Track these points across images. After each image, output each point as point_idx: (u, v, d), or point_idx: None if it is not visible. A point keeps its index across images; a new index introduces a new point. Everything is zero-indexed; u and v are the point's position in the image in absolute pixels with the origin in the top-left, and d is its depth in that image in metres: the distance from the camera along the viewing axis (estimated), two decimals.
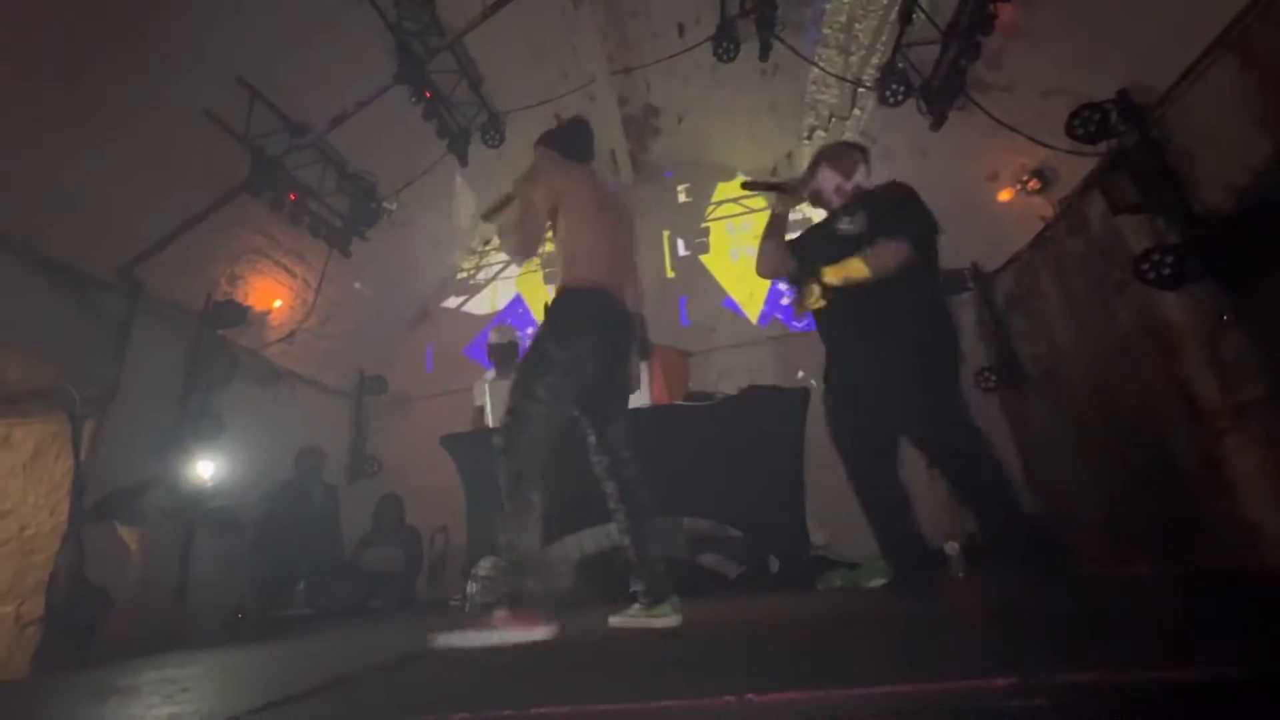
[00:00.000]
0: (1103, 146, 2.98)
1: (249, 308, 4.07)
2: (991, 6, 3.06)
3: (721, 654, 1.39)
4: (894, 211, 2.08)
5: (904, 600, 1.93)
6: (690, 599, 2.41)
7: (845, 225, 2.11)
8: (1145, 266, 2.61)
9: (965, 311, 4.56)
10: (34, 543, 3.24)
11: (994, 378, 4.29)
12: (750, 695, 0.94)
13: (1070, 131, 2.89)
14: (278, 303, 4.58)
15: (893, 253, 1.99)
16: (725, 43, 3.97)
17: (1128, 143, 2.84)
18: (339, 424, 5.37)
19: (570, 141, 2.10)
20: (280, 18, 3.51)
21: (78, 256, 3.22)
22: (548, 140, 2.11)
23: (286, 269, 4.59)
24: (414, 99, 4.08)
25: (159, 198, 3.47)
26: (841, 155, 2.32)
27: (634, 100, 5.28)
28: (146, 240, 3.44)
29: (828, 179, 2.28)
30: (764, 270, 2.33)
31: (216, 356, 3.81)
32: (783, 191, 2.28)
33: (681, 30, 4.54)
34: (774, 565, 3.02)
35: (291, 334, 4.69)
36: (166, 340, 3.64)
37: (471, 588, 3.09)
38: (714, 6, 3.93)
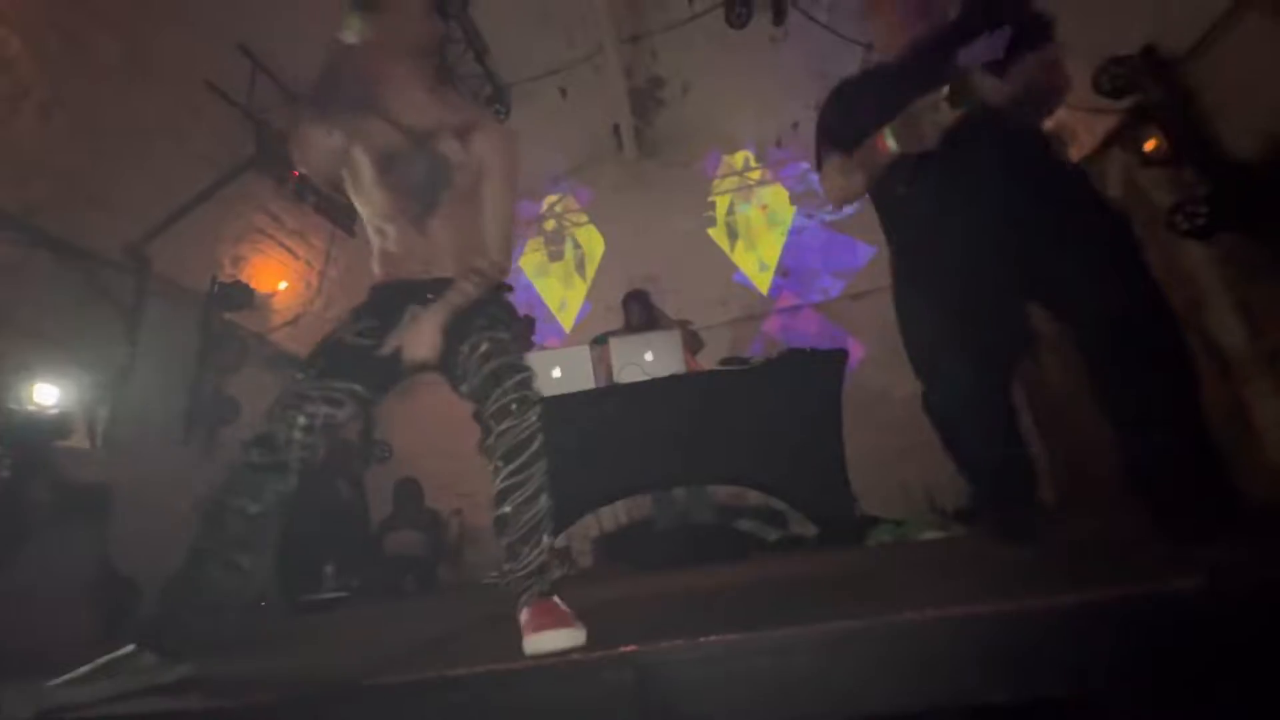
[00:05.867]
0: (1126, 102, 3.01)
1: (255, 290, 3.94)
2: None
3: (829, 585, 1.37)
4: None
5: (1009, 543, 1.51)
6: (732, 563, 2.40)
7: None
8: (1179, 218, 2.64)
9: None
10: None
11: None
12: (908, 612, 0.90)
13: (1098, 87, 2.90)
14: (282, 285, 4.44)
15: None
16: (739, 8, 3.90)
17: (1154, 96, 2.86)
18: None
19: None
20: None
21: (81, 234, 3.07)
22: None
23: (290, 250, 4.45)
24: None
25: (164, 172, 3.32)
26: None
27: (638, 71, 5.17)
28: (153, 218, 3.30)
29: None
30: (849, 195, 1.56)
31: (226, 340, 3.69)
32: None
33: None
34: (810, 529, 3.03)
35: (297, 318, 4.56)
36: (175, 323, 3.50)
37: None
38: None
